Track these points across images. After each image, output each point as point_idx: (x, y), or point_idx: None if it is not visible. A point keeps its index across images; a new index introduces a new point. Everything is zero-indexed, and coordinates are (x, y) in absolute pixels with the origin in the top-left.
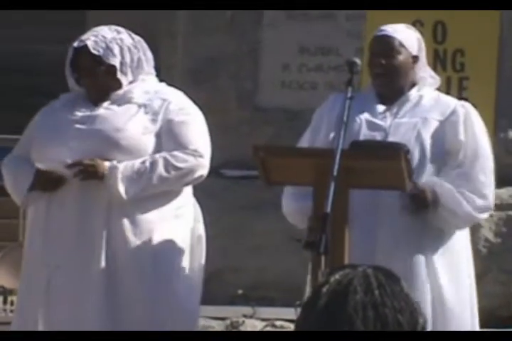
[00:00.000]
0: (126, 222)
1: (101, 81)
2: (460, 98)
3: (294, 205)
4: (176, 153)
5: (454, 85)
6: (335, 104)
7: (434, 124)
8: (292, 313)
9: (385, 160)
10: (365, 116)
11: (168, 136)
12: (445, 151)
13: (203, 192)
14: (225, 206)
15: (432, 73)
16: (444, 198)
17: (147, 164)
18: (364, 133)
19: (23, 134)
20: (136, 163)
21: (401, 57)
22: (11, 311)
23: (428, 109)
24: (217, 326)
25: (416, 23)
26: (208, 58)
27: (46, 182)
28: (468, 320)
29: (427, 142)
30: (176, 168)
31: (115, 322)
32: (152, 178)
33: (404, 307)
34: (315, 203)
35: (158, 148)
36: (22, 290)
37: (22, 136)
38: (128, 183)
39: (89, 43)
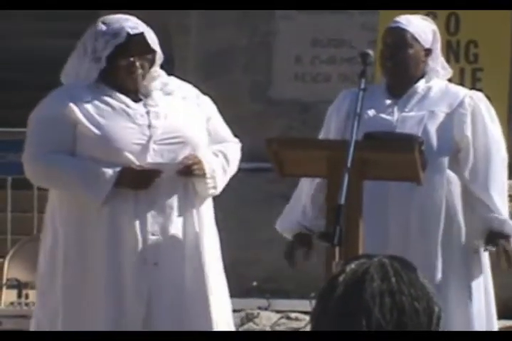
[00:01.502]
0: (206, 217)
1: (145, 70)
2: (474, 89)
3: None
4: (229, 145)
5: (468, 76)
6: (344, 99)
7: (441, 117)
8: (307, 305)
9: (398, 152)
10: (372, 111)
11: (210, 130)
12: (454, 145)
13: None
14: (239, 198)
15: (445, 64)
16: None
17: (222, 158)
18: (371, 128)
19: (44, 128)
20: (213, 157)
21: (412, 51)
22: (26, 304)
23: (436, 101)
24: (233, 318)
25: (429, 15)
26: (220, 51)
27: (140, 179)
28: (474, 316)
29: (434, 136)
30: (237, 160)
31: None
32: (230, 172)
33: (420, 295)
34: (328, 195)
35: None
36: (105, 288)
37: (43, 130)
38: (221, 178)
39: (145, 31)
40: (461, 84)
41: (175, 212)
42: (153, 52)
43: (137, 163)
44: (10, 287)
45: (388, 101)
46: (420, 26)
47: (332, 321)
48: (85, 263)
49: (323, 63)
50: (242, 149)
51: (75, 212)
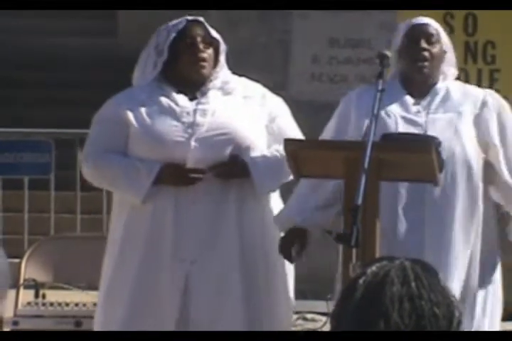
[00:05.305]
0: (256, 216)
1: (209, 57)
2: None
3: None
4: None
5: (485, 77)
6: (360, 98)
7: (468, 118)
8: (324, 306)
9: (416, 153)
10: (398, 111)
11: (275, 130)
12: (484, 146)
13: None
14: None
15: (455, 64)
16: None
17: (277, 160)
18: (401, 129)
19: (100, 129)
20: (267, 158)
21: (439, 47)
22: (43, 304)
23: (459, 101)
24: None
25: (447, 15)
26: (237, 51)
27: (183, 176)
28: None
29: (466, 137)
30: None
31: (252, 319)
32: (284, 173)
33: (440, 300)
34: (346, 196)
35: (268, 142)
36: (140, 285)
37: (99, 131)
38: (269, 178)
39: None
40: (479, 84)
41: (219, 208)
42: (214, 39)
43: (178, 160)
44: (27, 287)
45: (410, 101)
46: (440, 28)
47: (351, 323)
48: (126, 262)
49: (341, 63)
50: None
51: (123, 212)
